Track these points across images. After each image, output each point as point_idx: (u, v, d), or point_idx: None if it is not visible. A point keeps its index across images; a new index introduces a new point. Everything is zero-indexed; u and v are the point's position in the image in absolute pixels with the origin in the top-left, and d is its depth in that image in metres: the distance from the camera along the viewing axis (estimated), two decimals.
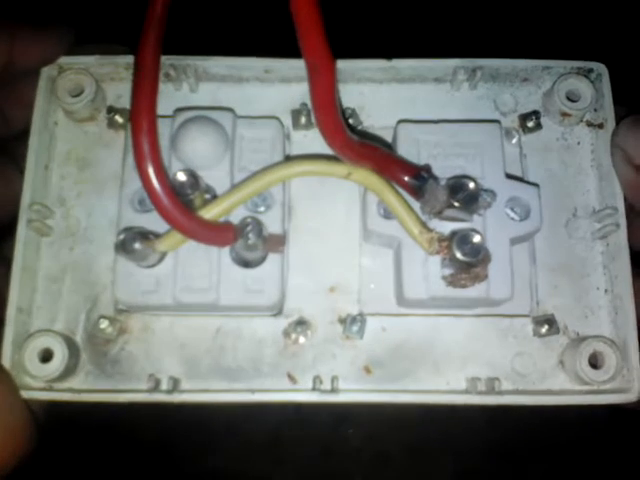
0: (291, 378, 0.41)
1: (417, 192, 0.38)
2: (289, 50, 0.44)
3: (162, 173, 0.34)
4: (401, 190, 0.39)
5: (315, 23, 0.32)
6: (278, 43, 0.48)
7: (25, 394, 0.39)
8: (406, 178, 0.38)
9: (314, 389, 0.40)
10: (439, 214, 0.38)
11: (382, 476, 0.88)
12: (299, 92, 0.45)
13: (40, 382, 0.40)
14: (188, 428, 0.84)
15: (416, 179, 0.38)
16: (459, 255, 0.37)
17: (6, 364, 0.39)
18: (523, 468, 0.85)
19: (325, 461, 0.89)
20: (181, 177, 0.37)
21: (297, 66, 0.44)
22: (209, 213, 0.37)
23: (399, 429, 0.83)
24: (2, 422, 0.38)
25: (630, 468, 0.77)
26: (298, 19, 0.32)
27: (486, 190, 0.39)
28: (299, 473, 0.90)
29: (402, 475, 0.87)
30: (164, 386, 0.40)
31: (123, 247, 0.35)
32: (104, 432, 0.80)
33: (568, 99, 0.44)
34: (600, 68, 0.44)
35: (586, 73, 0.44)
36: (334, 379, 0.41)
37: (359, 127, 0.45)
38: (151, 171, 0.34)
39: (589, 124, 0.45)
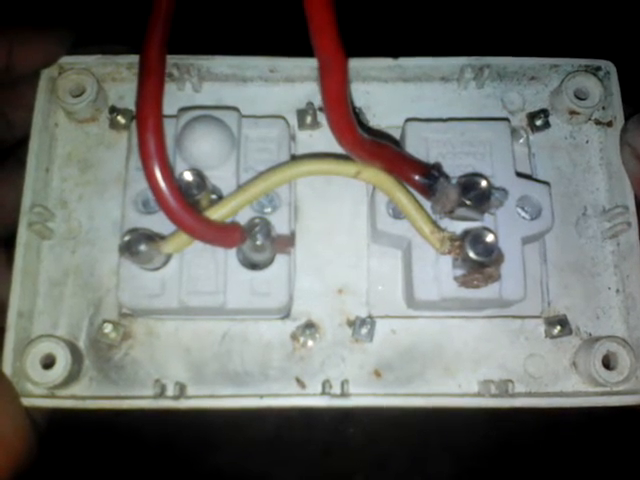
0: (299, 382, 0.39)
1: (428, 191, 0.36)
2: (293, 49, 0.42)
3: (169, 173, 0.32)
4: (411, 189, 0.37)
5: (329, 19, 0.30)
6: (282, 42, 0.46)
7: (26, 401, 0.37)
8: (416, 177, 0.36)
9: (323, 393, 0.38)
10: (450, 213, 0.36)
11: (382, 476, 0.85)
12: (304, 91, 0.43)
13: (42, 389, 0.37)
14: (189, 427, 0.82)
15: (427, 178, 0.36)
16: (472, 255, 0.35)
17: (7, 371, 0.37)
18: (523, 468, 0.83)
19: (325, 461, 0.87)
20: (188, 177, 0.34)
21: (302, 65, 0.42)
22: (216, 213, 0.35)
23: (399, 429, 0.81)
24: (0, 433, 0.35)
25: (631, 468, 0.75)
26: (311, 14, 0.30)
27: (498, 188, 0.37)
28: (300, 473, 0.87)
29: (402, 475, 0.85)
30: (170, 392, 0.38)
31: (128, 249, 0.33)
32: (105, 430, 0.78)
33: (576, 97, 0.42)
34: (608, 66, 0.43)
35: (594, 71, 0.42)
36: (344, 383, 0.38)
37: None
38: (157, 170, 0.31)
39: (597, 122, 0.43)
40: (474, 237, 0.35)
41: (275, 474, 0.87)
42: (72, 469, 0.80)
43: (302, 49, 0.38)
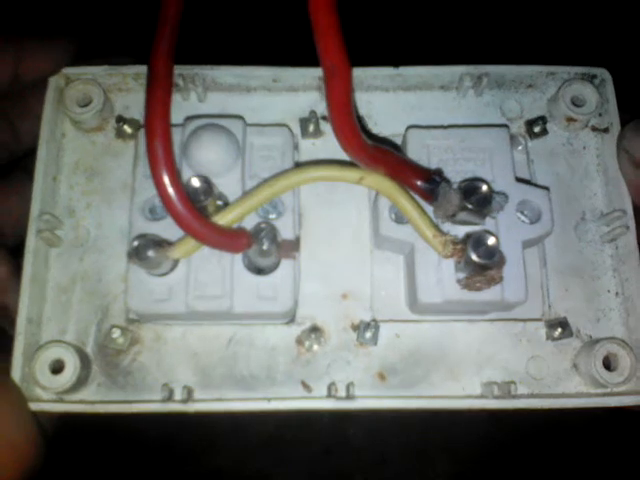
0: (305, 386, 0.38)
1: (430, 196, 0.36)
2: (296, 59, 0.42)
3: (176, 179, 0.31)
4: (414, 194, 0.36)
5: (333, 25, 0.30)
6: (285, 52, 0.46)
7: (35, 406, 0.36)
8: (419, 182, 0.36)
9: (329, 396, 0.38)
10: (452, 217, 0.36)
11: (382, 476, 0.85)
12: (307, 101, 0.43)
13: (51, 394, 0.37)
14: (190, 427, 0.82)
15: (429, 183, 0.36)
16: (474, 257, 0.34)
17: (16, 376, 0.37)
18: (523, 468, 0.83)
19: (325, 461, 0.87)
20: (195, 183, 0.34)
21: (305, 74, 0.42)
22: (223, 219, 0.34)
23: (399, 429, 0.81)
24: (7, 439, 0.35)
25: (631, 468, 0.75)
26: (316, 21, 0.29)
27: (498, 192, 0.37)
28: (300, 473, 0.87)
29: (402, 475, 0.85)
30: (178, 396, 0.37)
31: (137, 254, 0.33)
32: (106, 430, 0.77)
33: (573, 104, 0.42)
34: (604, 74, 0.42)
35: (590, 79, 0.42)
36: (349, 386, 0.38)
37: None
38: (166, 177, 0.31)
39: (594, 129, 0.43)
40: (476, 240, 0.35)
41: (275, 474, 0.86)
42: (73, 469, 0.79)
43: (305, 59, 0.38)
